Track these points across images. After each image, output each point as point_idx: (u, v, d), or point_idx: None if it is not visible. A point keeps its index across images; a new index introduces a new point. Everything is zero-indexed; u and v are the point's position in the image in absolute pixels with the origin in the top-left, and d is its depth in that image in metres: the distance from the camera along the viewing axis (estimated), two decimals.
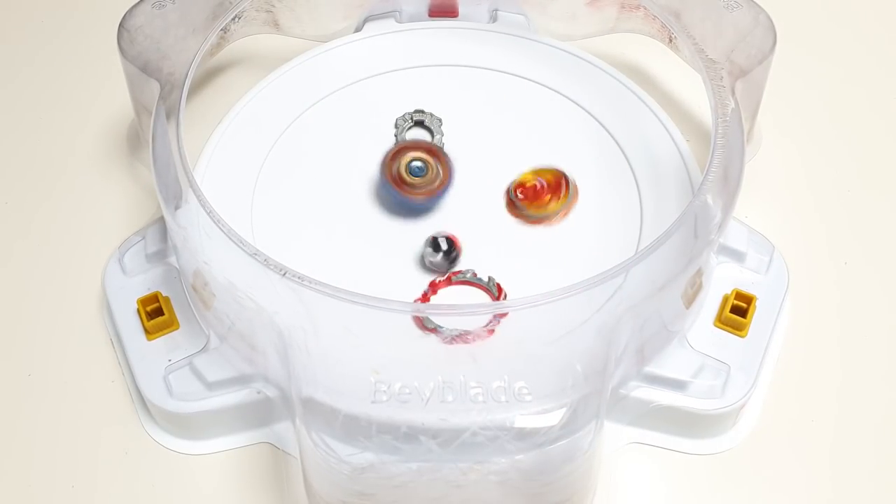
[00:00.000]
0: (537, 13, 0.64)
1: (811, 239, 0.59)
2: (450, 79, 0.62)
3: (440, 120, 0.60)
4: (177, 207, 0.51)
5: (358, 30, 0.64)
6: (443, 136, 0.59)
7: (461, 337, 0.49)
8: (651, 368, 0.51)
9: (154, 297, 0.54)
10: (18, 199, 0.61)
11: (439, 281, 0.54)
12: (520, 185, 0.56)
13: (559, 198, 0.56)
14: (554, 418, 0.46)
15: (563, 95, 0.61)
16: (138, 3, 0.58)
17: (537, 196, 0.56)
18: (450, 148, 0.58)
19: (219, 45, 0.61)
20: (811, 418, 0.54)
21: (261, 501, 0.51)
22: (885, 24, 0.69)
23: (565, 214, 0.56)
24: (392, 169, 0.56)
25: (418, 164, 0.56)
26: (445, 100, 0.61)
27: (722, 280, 0.55)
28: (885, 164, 0.63)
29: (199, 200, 0.50)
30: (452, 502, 0.47)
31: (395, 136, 0.59)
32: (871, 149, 0.63)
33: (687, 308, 0.52)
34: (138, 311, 0.53)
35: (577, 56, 0.62)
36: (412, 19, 0.64)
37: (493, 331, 0.50)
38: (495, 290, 0.53)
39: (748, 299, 0.54)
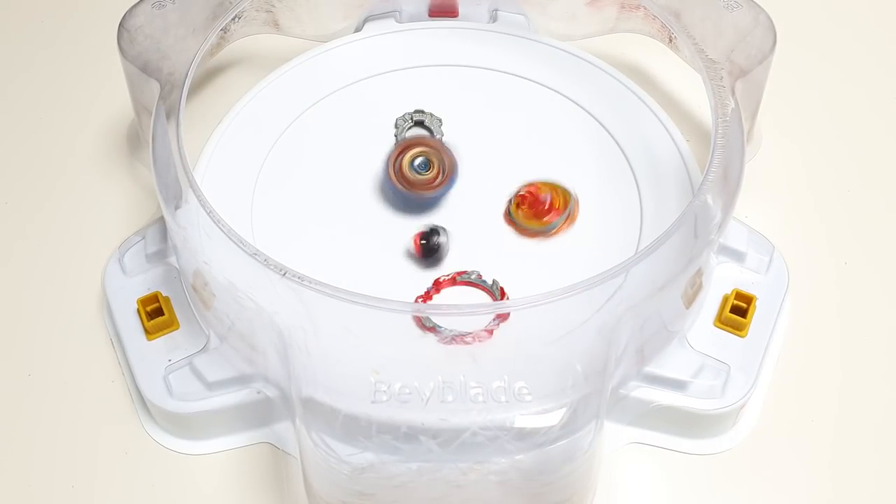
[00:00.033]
0: (537, 13, 0.64)
1: (811, 239, 0.59)
2: (450, 79, 0.62)
3: (440, 120, 0.60)
4: (177, 207, 0.51)
5: (358, 30, 0.64)
6: (443, 136, 0.59)
7: (460, 337, 0.49)
8: (651, 368, 0.51)
9: (154, 297, 0.54)
10: (18, 199, 0.61)
11: (443, 280, 0.54)
12: (521, 197, 0.56)
13: (559, 215, 0.55)
14: (554, 418, 0.46)
15: (563, 95, 0.61)
16: (138, 3, 0.58)
17: (538, 213, 0.55)
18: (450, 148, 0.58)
19: (219, 45, 0.61)
20: (811, 418, 0.54)
21: (261, 501, 0.51)
22: (885, 24, 0.69)
23: (562, 229, 0.56)
24: (395, 166, 0.56)
25: (422, 159, 0.56)
26: (445, 100, 0.61)
27: (722, 280, 0.55)
28: (885, 164, 0.63)
29: (199, 200, 0.50)
30: (452, 502, 0.47)
31: (395, 136, 0.59)
32: (871, 149, 0.63)
33: (687, 308, 0.52)
34: (138, 311, 0.53)
35: (577, 56, 0.62)
36: (412, 19, 0.64)
37: (492, 331, 0.50)
38: (498, 293, 0.53)
39: (748, 299, 0.54)
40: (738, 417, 0.53)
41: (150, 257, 0.55)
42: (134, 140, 0.62)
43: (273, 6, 0.62)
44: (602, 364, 0.47)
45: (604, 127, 0.60)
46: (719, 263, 0.55)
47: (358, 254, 0.55)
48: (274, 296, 0.48)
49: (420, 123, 0.60)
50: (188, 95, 0.54)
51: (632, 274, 0.48)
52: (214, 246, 0.49)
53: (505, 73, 0.62)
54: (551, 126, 0.60)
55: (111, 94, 0.64)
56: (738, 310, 0.54)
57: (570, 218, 0.55)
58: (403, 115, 0.60)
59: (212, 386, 0.51)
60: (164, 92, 0.54)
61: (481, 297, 0.54)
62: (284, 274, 0.47)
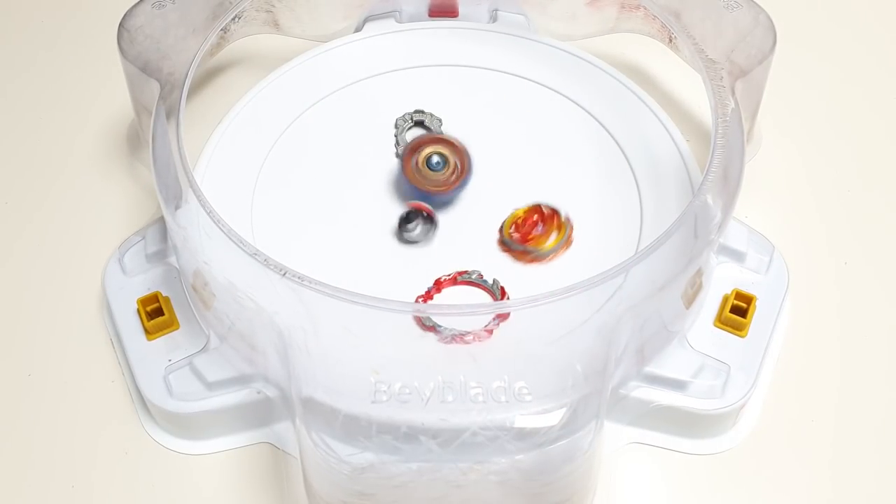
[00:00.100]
0: (537, 13, 0.64)
1: (811, 239, 0.59)
2: (450, 79, 0.62)
3: (440, 120, 0.60)
4: (177, 207, 0.51)
5: (358, 30, 0.64)
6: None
7: (460, 337, 0.49)
8: (651, 368, 0.51)
9: (154, 297, 0.54)
10: (18, 199, 0.61)
11: (444, 280, 0.54)
12: (515, 222, 0.56)
13: (556, 228, 0.55)
14: (554, 418, 0.46)
15: (563, 95, 0.61)
16: (138, 3, 0.58)
17: (530, 237, 0.55)
18: None
19: (219, 45, 0.61)
20: (811, 418, 0.54)
21: (261, 501, 0.51)
22: (885, 24, 0.69)
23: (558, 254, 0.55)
24: (411, 164, 0.56)
25: (437, 158, 0.56)
26: (445, 100, 0.61)
27: (722, 280, 0.55)
28: (885, 164, 0.63)
29: (199, 200, 0.50)
30: (452, 502, 0.47)
31: (395, 135, 0.59)
32: (871, 149, 0.63)
33: (687, 308, 0.52)
34: (138, 311, 0.53)
35: (577, 56, 0.62)
36: (412, 19, 0.64)
37: (491, 331, 0.50)
38: (498, 293, 0.53)
39: (748, 299, 0.54)
40: (738, 417, 0.53)
41: (150, 257, 0.55)
42: (134, 140, 0.62)
43: (273, 6, 0.62)
44: (602, 364, 0.47)
45: (604, 127, 0.60)
46: (719, 263, 0.55)
47: (358, 254, 0.55)
48: (274, 296, 0.48)
49: (420, 123, 0.60)
50: (188, 95, 0.54)
51: (632, 274, 0.48)
52: (214, 246, 0.49)
53: (505, 73, 0.62)
54: (551, 126, 0.60)
55: (111, 94, 0.64)
56: (738, 310, 0.54)
57: (566, 244, 0.55)
58: (403, 115, 0.60)
59: (212, 386, 0.51)
60: (164, 92, 0.54)
61: (482, 296, 0.54)
62: (284, 274, 0.47)
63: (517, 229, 0.55)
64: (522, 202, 0.56)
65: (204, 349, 0.52)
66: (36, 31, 0.69)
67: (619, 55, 0.64)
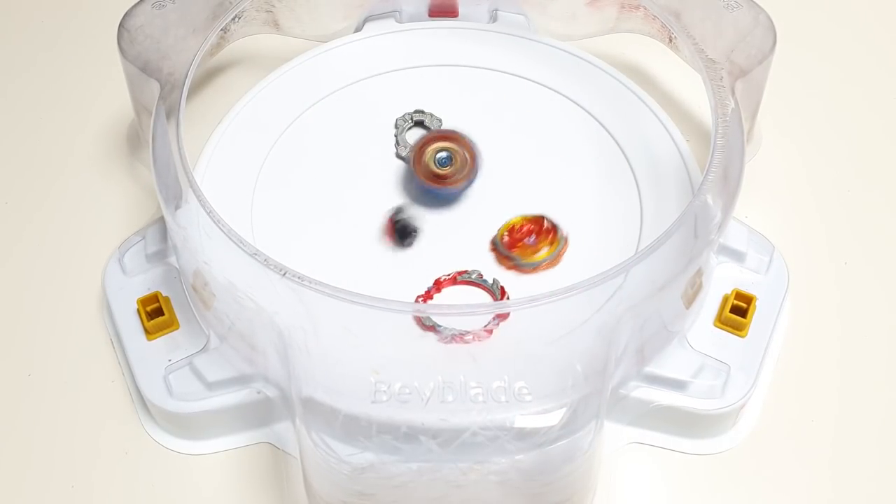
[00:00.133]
0: (537, 13, 0.64)
1: (811, 239, 0.59)
2: (450, 79, 0.62)
3: (440, 120, 0.60)
4: (177, 207, 0.51)
5: (358, 30, 0.64)
6: None
7: (459, 336, 0.49)
8: (651, 368, 0.51)
9: (154, 297, 0.54)
10: (18, 199, 0.61)
11: (444, 280, 0.54)
12: (509, 231, 0.56)
13: (549, 244, 0.55)
14: (554, 418, 0.46)
15: (563, 95, 0.61)
16: (138, 3, 0.58)
17: (518, 245, 0.55)
18: None
19: (219, 45, 0.61)
20: (811, 418, 0.54)
21: (261, 501, 0.51)
22: (885, 24, 0.69)
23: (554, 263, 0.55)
24: (421, 161, 0.56)
25: (445, 154, 0.56)
26: (445, 100, 0.61)
27: (722, 280, 0.55)
28: (885, 164, 0.63)
29: (199, 200, 0.50)
30: (452, 502, 0.47)
31: (395, 136, 0.59)
32: (871, 149, 0.63)
33: (687, 308, 0.52)
34: (138, 311, 0.53)
35: (577, 56, 0.62)
36: (412, 19, 0.64)
37: (491, 331, 0.50)
38: (498, 292, 0.53)
39: (748, 299, 0.54)
40: (738, 417, 0.53)
41: (150, 257, 0.55)
42: (134, 140, 0.62)
43: (273, 6, 0.62)
44: (602, 364, 0.47)
45: (604, 127, 0.60)
46: (719, 263, 0.55)
47: (358, 254, 0.55)
48: (274, 296, 0.48)
49: (420, 123, 0.60)
50: (188, 95, 0.54)
51: (632, 274, 0.48)
52: (214, 246, 0.49)
53: (505, 73, 0.62)
54: (551, 126, 0.60)
55: (111, 94, 0.64)
56: (738, 310, 0.54)
57: (552, 262, 0.55)
58: (403, 115, 0.60)
59: (212, 386, 0.51)
60: (164, 92, 0.54)
61: (482, 296, 0.54)
62: (284, 274, 0.47)
63: (510, 234, 0.55)
64: (522, 202, 0.56)
65: (204, 349, 0.52)
66: (36, 31, 0.69)
67: (619, 55, 0.64)
